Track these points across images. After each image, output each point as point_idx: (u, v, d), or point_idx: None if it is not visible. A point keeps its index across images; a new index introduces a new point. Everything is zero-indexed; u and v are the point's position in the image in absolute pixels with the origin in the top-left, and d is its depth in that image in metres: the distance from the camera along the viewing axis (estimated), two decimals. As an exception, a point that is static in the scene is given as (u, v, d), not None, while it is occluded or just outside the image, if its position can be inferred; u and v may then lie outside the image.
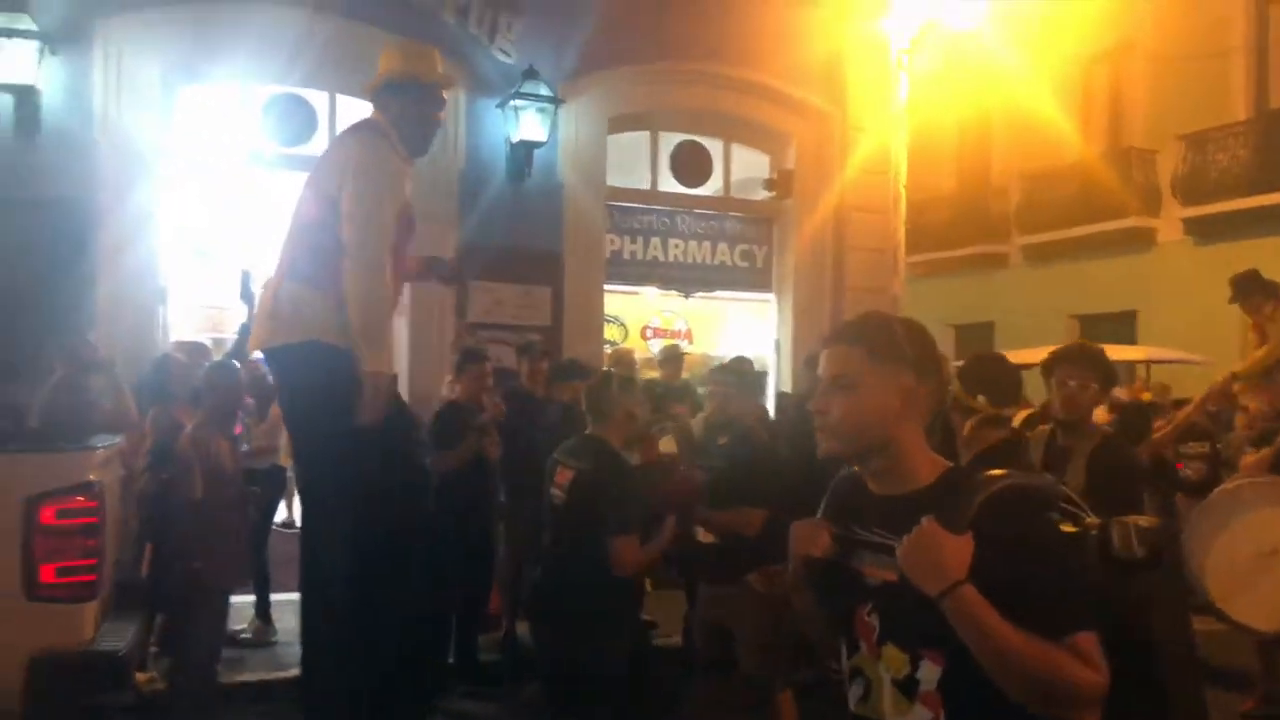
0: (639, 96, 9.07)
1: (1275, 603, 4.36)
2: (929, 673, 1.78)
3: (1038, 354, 4.49)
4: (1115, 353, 4.66)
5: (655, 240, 9.44)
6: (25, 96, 7.08)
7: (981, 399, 3.58)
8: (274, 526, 7.33)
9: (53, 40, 7.09)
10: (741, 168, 9.83)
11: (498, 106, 8.35)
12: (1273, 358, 6.64)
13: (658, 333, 10.00)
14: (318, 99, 8.17)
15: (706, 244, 9.62)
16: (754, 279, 9.80)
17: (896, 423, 1.85)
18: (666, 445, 4.29)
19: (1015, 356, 4.65)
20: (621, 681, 3.90)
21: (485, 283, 8.29)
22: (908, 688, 1.81)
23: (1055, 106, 15.54)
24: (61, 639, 3.73)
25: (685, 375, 8.10)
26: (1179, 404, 8.49)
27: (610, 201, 9.08)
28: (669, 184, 9.49)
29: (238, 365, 5.32)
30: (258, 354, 4.77)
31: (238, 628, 6.43)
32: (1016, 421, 4.12)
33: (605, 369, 4.55)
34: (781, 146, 9.75)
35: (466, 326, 7.86)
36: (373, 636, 3.43)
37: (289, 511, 9.56)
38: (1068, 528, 1.91)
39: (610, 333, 9.48)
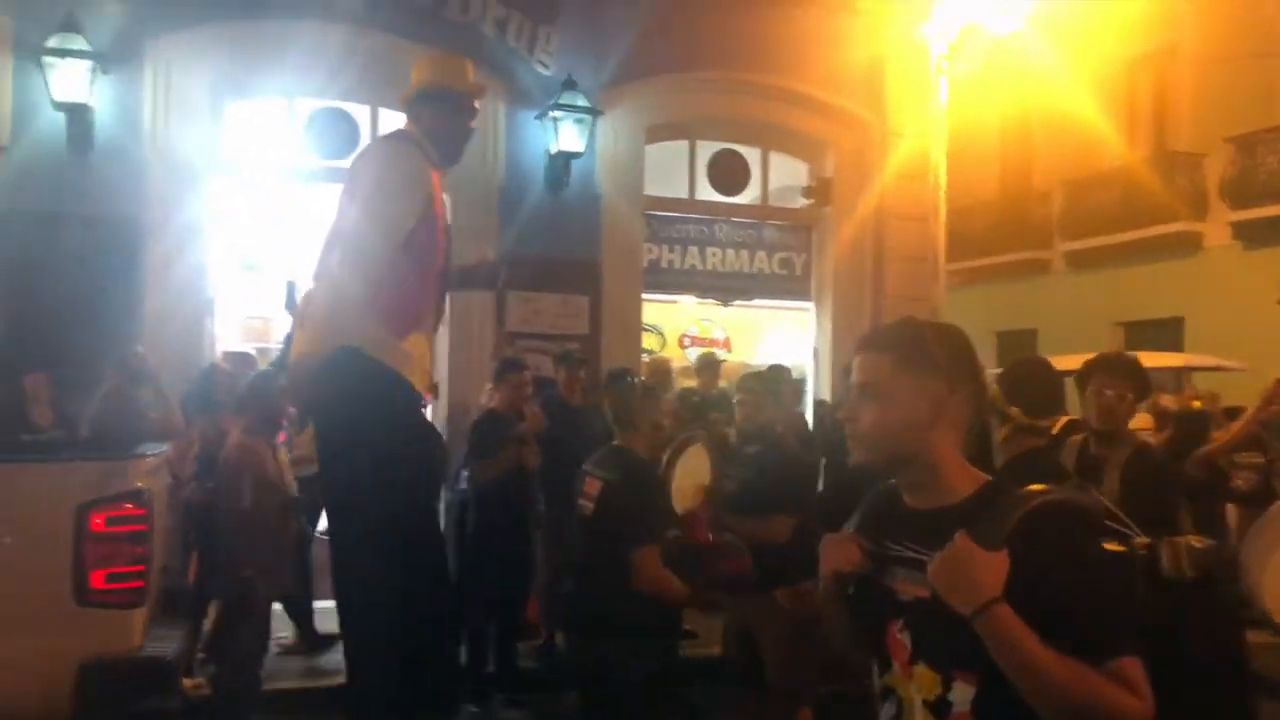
0: (676, 106, 9.10)
1: None
2: (962, 694, 1.71)
3: (1081, 361, 4.42)
4: (1150, 360, 4.56)
5: (693, 249, 9.45)
6: (78, 115, 7.27)
7: (1015, 410, 3.53)
8: (317, 534, 7.43)
9: (105, 59, 7.27)
10: (780, 175, 9.82)
11: (536, 118, 8.43)
12: None
13: (696, 341, 10.01)
14: (360, 113, 8.30)
15: (745, 252, 9.62)
16: (792, 287, 9.78)
17: (927, 433, 1.79)
18: (696, 455, 4.23)
19: (1059, 363, 4.58)
20: (653, 692, 3.90)
21: (524, 292, 8.36)
22: (940, 709, 1.74)
23: (1098, 110, 15.33)
24: (111, 645, 3.79)
25: (723, 384, 8.11)
26: (1229, 412, 8.32)
27: (648, 211, 9.12)
28: (707, 193, 9.51)
29: (280, 374, 5.41)
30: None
31: (280, 635, 6.52)
32: (1056, 428, 4.06)
33: (628, 378, 4.52)
34: (820, 154, 9.73)
35: (505, 336, 7.92)
36: (409, 640, 3.45)
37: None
38: (1113, 546, 1.83)
39: (648, 341, 9.51)
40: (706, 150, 9.49)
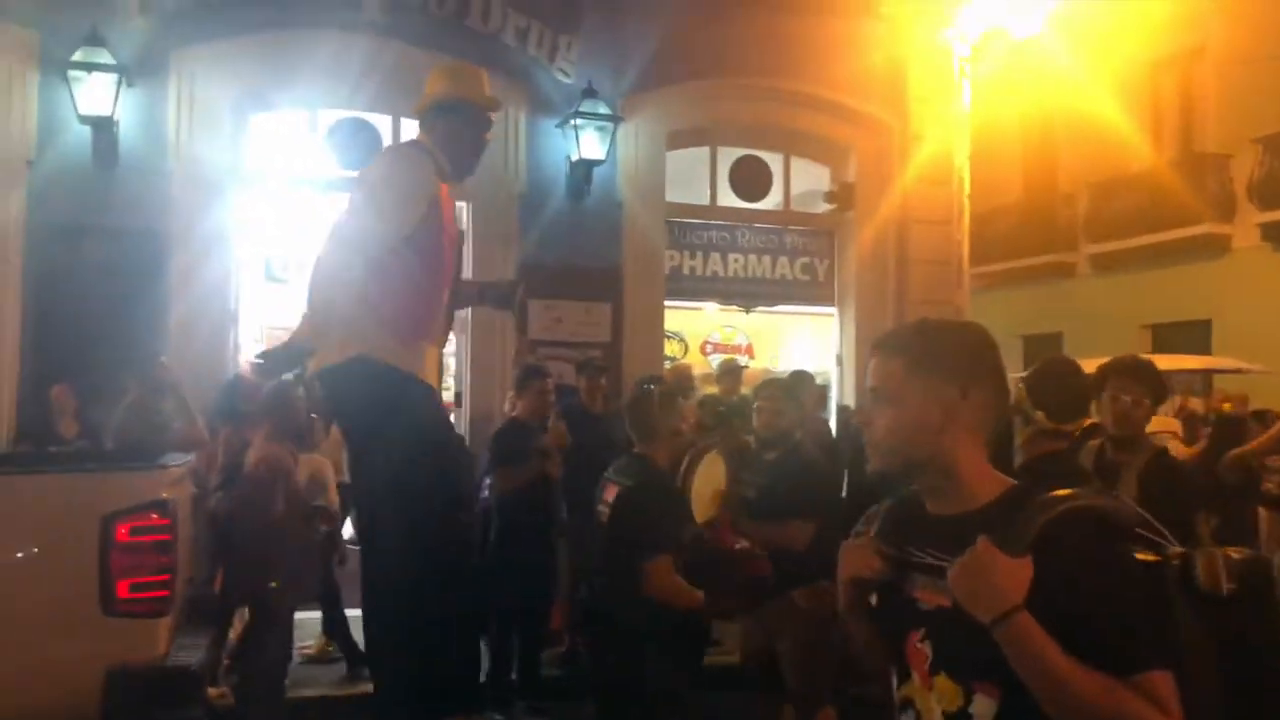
0: (698, 112, 9.09)
1: None
2: (983, 707, 1.65)
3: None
4: (1168, 363, 4.50)
5: (715, 255, 9.44)
6: (104, 128, 7.34)
7: (1040, 414, 3.50)
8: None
9: (129, 72, 7.33)
10: (802, 181, 9.78)
11: (557, 126, 8.44)
12: None
13: (718, 348, 10.00)
14: (382, 123, 8.34)
15: (767, 258, 9.59)
16: (815, 293, 9.74)
17: (940, 437, 1.73)
18: (713, 462, 4.21)
19: (1085, 366, 4.53)
20: (670, 699, 3.88)
21: (545, 300, 8.37)
22: None
23: (1123, 112, 15.20)
24: (136, 654, 3.82)
25: (745, 390, 8.07)
26: (1257, 415, 8.23)
27: (670, 217, 9.11)
28: (728, 199, 9.49)
29: (299, 384, 5.41)
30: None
31: (304, 644, 6.54)
32: (1077, 432, 4.00)
33: (645, 385, 4.51)
34: (842, 159, 9.69)
35: (527, 344, 7.93)
36: (426, 643, 3.44)
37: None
38: (1145, 556, 1.74)
39: (670, 349, 9.50)
40: (728, 156, 9.48)
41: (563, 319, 8.44)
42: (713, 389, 7.95)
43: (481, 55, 7.65)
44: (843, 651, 3.85)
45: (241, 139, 8.01)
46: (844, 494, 5.74)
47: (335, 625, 6.60)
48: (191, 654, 4.16)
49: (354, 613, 6.53)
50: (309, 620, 6.63)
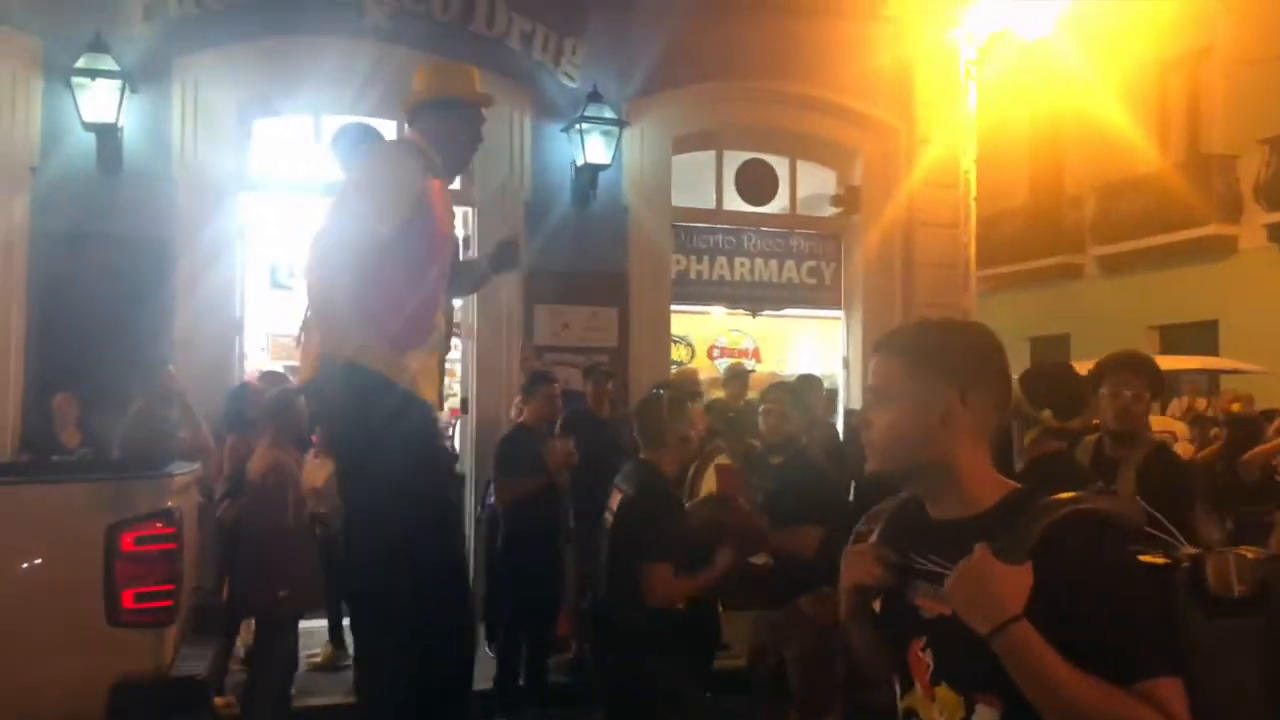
0: (703, 116, 9.07)
1: None
2: (985, 718, 1.61)
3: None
4: (1164, 364, 4.47)
5: (721, 259, 9.41)
6: (108, 135, 7.32)
7: (1047, 412, 3.46)
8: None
9: (133, 79, 7.31)
10: (808, 184, 9.75)
11: (563, 130, 8.42)
12: None
13: (725, 352, 9.95)
14: (387, 128, 8.29)
15: (773, 262, 9.56)
16: (822, 296, 9.71)
17: (939, 439, 1.68)
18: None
19: (1086, 368, 4.50)
20: (673, 699, 3.87)
21: (552, 305, 8.36)
22: None
23: (1130, 114, 15.18)
24: (142, 663, 3.78)
25: (752, 394, 8.04)
26: (1267, 414, 8.19)
27: (676, 222, 9.08)
28: (735, 203, 9.46)
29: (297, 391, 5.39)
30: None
31: (311, 652, 6.51)
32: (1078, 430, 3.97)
33: (656, 390, 4.48)
34: (848, 162, 9.66)
35: (533, 349, 7.90)
36: (413, 648, 3.39)
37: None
38: (1153, 558, 1.70)
39: (677, 353, 9.46)
40: (734, 160, 9.45)
41: (569, 324, 8.42)
42: (719, 393, 7.91)
43: (486, 60, 7.62)
44: (849, 659, 3.82)
45: (246, 145, 7.99)
46: (851, 498, 5.71)
47: (343, 633, 6.59)
48: (198, 664, 4.13)
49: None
50: (317, 628, 6.60)
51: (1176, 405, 11.69)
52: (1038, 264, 17.17)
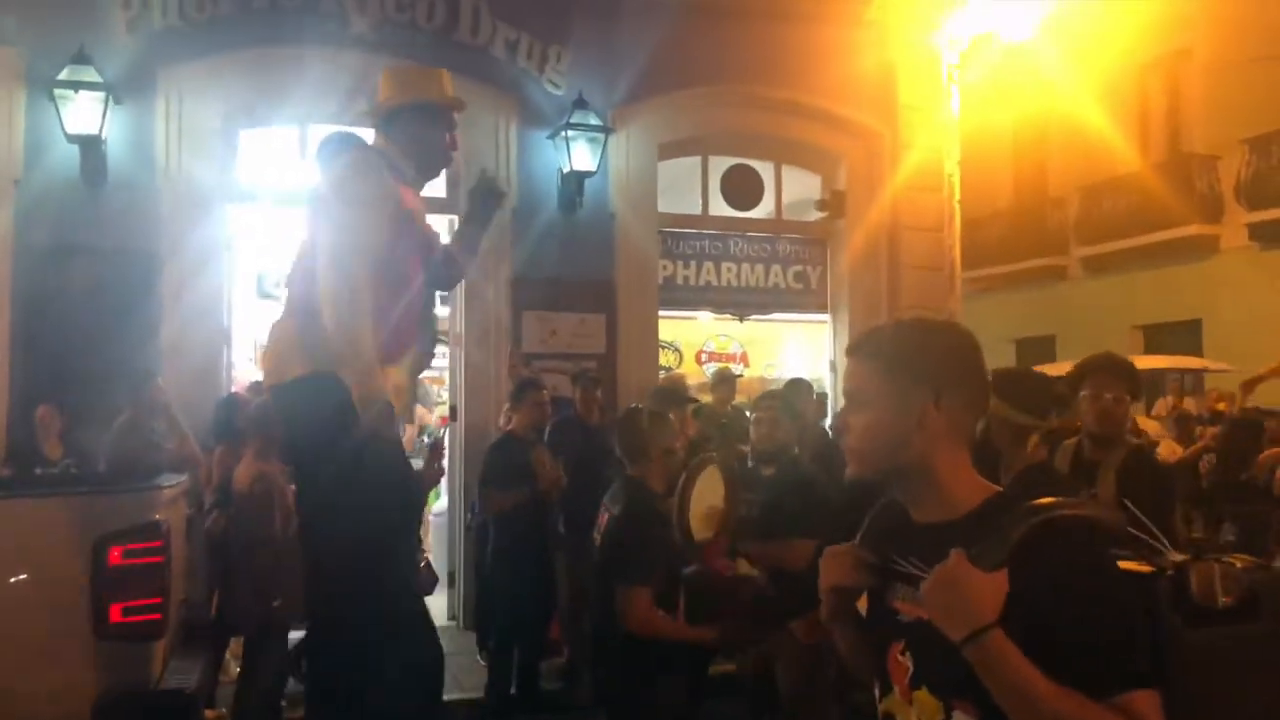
0: (689, 122, 9.08)
1: None
2: None
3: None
4: (1139, 363, 4.49)
5: (708, 264, 9.42)
6: (91, 147, 7.28)
7: (1026, 417, 3.45)
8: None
9: (117, 91, 7.28)
10: (793, 189, 9.78)
11: (548, 138, 8.42)
12: None
13: (713, 357, 9.96)
14: (371, 138, 8.29)
15: (760, 266, 9.58)
16: (808, 300, 9.73)
17: (916, 442, 1.66)
18: (710, 477, 4.14)
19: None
20: (672, 713, 3.85)
21: (539, 312, 8.35)
22: None
23: (1112, 115, 15.28)
24: (129, 677, 3.76)
25: (740, 399, 8.05)
26: (1265, 413, 8.21)
27: (662, 228, 9.09)
28: (720, 208, 9.48)
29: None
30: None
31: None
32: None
33: (634, 405, 4.44)
34: (833, 166, 9.69)
35: (521, 356, 7.90)
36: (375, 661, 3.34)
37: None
38: (1135, 566, 1.67)
39: (665, 358, 9.47)
40: (719, 165, 9.46)
41: (557, 331, 8.41)
42: (707, 398, 7.93)
43: (471, 68, 7.65)
44: (840, 672, 3.80)
45: (231, 156, 7.97)
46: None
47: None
48: (187, 677, 4.11)
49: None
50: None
51: (1161, 404, 11.77)
52: (1022, 265, 17.26)
